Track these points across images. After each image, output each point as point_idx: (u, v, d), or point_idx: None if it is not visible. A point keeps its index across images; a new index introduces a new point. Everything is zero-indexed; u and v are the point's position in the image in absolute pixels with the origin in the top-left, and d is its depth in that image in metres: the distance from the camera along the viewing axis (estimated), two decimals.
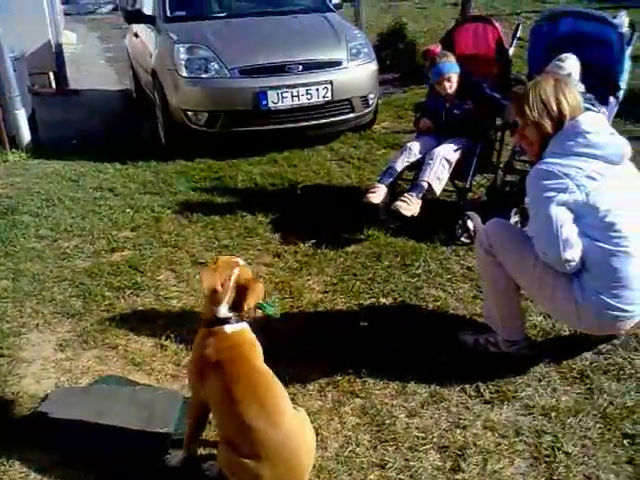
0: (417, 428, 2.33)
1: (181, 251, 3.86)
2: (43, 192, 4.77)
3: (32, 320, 3.13)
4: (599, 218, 2.34)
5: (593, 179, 2.35)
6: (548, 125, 2.47)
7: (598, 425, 2.28)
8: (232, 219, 4.26)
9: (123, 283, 3.45)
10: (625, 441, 2.21)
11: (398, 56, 8.39)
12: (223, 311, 2.05)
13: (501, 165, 4.27)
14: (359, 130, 5.93)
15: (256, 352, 2.06)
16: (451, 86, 3.97)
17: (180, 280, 3.52)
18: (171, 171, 5.23)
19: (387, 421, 2.36)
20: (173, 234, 4.07)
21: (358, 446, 2.25)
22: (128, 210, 4.45)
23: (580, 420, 2.31)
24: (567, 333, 2.86)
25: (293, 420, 1.95)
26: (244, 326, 2.09)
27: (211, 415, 2.12)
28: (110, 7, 18.05)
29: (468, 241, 3.78)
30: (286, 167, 5.22)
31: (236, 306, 2.04)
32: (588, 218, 2.36)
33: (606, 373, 2.56)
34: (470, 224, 3.79)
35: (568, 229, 2.34)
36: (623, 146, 2.43)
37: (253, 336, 2.12)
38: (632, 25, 3.88)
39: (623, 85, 3.81)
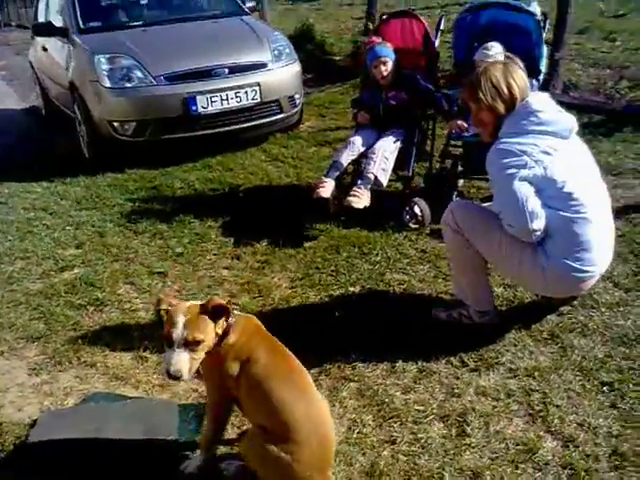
0: (415, 402, 2.44)
1: (134, 263, 3.78)
2: None
3: None
4: (558, 189, 2.54)
5: (548, 154, 2.55)
6: (501, 107, 2.65)
7: (578, 378, 2.48)
8: (180, 227, 4.22)
9: (84, 300, 3.35)
10: (604, 388, 2.41)
11: (309, 57, 8.51)
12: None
13: (435, 153, 4.48)
14: (287, 130, 6.01)
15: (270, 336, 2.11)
16: (386, 70, 4.11)
17: (141, 292, 3.46)
18: (102, 184, 5.09)
19: (385, 400, 2.46)
20: (122, 247, 3.99)
21: (364, 427, 2.33)
22: (68, 228, 4.31)
23: (561, 375, 2.50)
24: (529, 300, 3.06)
25: (322, 400, 2.01)
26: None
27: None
28: None
29: (416, 226, 3.95)
30: (222, 171, 5.21)
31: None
32: (548, 190, 2.55)
33: (572, 331, 2.78)
34: (417, 210, 3.96)
35: (532, 202, 2.52)
36: (571, 121, 2.64)
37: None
38: (544, 14, 4.18)
39: (543, 69, 4.10)
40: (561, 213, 2.54)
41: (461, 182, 4.44)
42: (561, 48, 5.65)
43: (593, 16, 8.20)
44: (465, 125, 3.89)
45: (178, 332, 1.87)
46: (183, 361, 1.87)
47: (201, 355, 1.92)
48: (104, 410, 2.45)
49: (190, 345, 1.88)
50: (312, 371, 2.62)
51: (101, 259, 3.84)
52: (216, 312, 1.95)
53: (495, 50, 3.90)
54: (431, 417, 2.35)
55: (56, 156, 5.99)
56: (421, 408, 2.40)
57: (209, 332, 1.93)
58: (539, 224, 2.52)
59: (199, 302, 1.99)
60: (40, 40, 6.72)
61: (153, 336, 2.99)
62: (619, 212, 3.56)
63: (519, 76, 2.68)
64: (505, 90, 2.64)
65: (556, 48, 5.63)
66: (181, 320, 1.89)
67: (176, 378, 1.89)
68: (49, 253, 3.93)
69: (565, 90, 5.85)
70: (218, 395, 2.08)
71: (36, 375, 2.78)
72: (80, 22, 5.73)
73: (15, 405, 2.59)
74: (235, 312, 2.06)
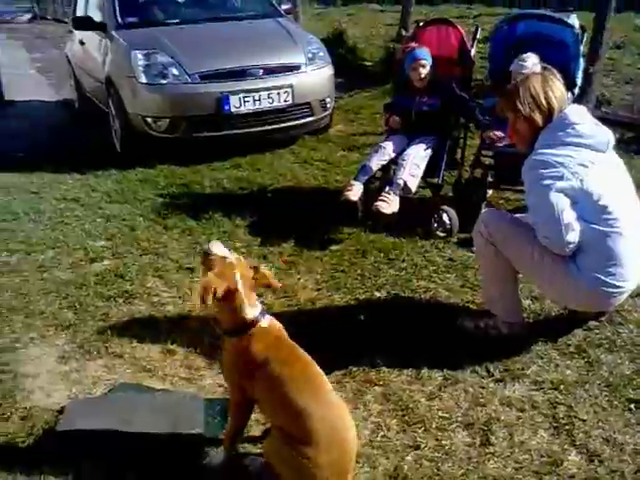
0: (440, 409, 2.44)
1: (163, 258, 3.83)
2: (4, 205, 4.61)
3: (25, 334, 3.05)
4: (593, 202, 2.53)
5: (585, 166, 2.54)
6: (539, 118, 2.65)
7: (604, 393, 2.47)
8: (208, 224, 4.27)
9: (113, 292, 3.40)
10: (631, 405, 2.39)
11: (340, 61, 8.53)
12: (250, 312, 2.07)
13: (465, 162, 4.48)
14: (316, 133, 6.04)
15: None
16: (425, 72, 4.13)
17: (170, 286, 3.50)
18: (134, 179, 5.16)
19: (410, 405, 2.46)
20: (151, 241, 4.04)
21: (389, 430, 2.34)
22: (99, 220, 4.38)
23: (587, 390, 2.49)
24: (555, 313, 3.05)
25: (341, 404, 2.02)
26: (271, 317, 2.15)
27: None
28: (29, 16, 17.40)
29: (444, 234, 3.95)
30: (251, 171, 5.25)
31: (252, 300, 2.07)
32: (583, 203, 2.54)
33: (600, 347, 2.76)
34: (445, 218, 3.96)
35: (568, 214, 2.51)
36: (608, 135, 2.63)
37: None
38: (582, 27, 4.16)
39: (579, 82, 4.08)
40: (595, 227, 2.53)
41: (490, 192, 4.43)
42: (596, 62, 5.61)
43: (629, 31, 8.12)
44: (501, 135, 3.89)
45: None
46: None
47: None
48: (131, 401, 2.50)
49: None
50: (336, 373, 2.66)
51: (131, 252, 3.90)
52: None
53: (531, 61, 3.88)
54: (455, 425, 2.35)
55: (88, 149, 6.08)
56: (446, 415, 2.40)
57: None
58: (574, 237, 2.51)
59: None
60: (78, 34, 6.83)
61: (181, 329, 3.05)
62: None
63: (557, 87, 2.67)
64: (543, 101, 2.64)
65: (591, 62, 5.59)
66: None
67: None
68: (79, 244, 4.00)
69: (598, 105, 5.80)
70: (237, 394, 2.11)
71: (65, 363, 2.83)
72: (118, 17, 5.82)
73: (44, 391, 2.63)
74: (262, 316, 2.10)
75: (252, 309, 2.08)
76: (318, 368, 2.06)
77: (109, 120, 5.93)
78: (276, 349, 2.03)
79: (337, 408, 1.99)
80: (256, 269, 2.14)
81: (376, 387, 2.58)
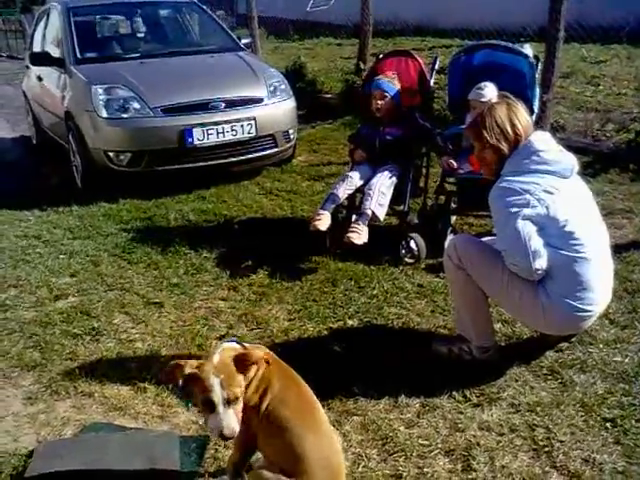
0: (419, 437, 2.43)
1: (129, 293, 3.76)
2: None
3: None
4: (559, 228, 2.58)
5: (550, 193, 2.60)
6: (505, 147, 2.71)
7: (580, 414, 2.50)
8: (175, 257, 4.21)
9: (79, 330, 3.32)
10: (607, 424, 2.43)
11: (301, 94, 8.62)
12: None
13: (430, 189, 4.55)
14: (280, 164, 6.06)
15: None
16: (382, 104, 4.21)
17: (137, 322, 3.43)
18: (96, 214, 5.08)
19: (389, 434, 2.45)
20: (116, 277, 3.96)
21: (369, 461, 2.32)
22: (62, 256, 4.28)
23: (563, 411, 2.52)
24: (527, 336, 3.09)
25: (335, 435, 1.99)
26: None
27: None
28: None
29: (412, 261, 3.98)
30: (217, 203, 5.22)
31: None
32: (550, 229, 2.59)
33: (572, 367, 2.80)
34: (413, 245, 4.00)
35: (535, 241, 2.55)
36: (572, 161, 2.70)
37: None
38: (536, 56, 4.31)
39: (536, 109, 4.20)
40: (562, 252, 2.57)
41: (453, 218, 4.50)
42: (549, 91, 5.80)
43: (576, 61, 8.43)
44: (455, 164, 3.98)
45: (217, 394, 1.83)
46: (232, 419, 1.84)
47: (241, 403, 1.90)
48: (104, 441, 2.42)
49: (231, 402, 1.86)
50: None
51: (96, 288, 3.81)
52: (243, 363, 1.91)
53: (489, 90, 4.00)
54: (436, 452, 2.34)
55: (48, 185, 5.97)
56: (425, 443, 2.39)
57: (243, 382, 1.90)
58: (541, 263, 2.55)
59: (217, 354, 1.92)
60: (35, 70, 6.74)
61: (151, 366, 2.98)
62: (611, 251, 3.63)
63: (522, 115, 2.74)
64: (510, 130, 2.70)
65: (544, 90, 5.77)
66: (216, 382, 1.84)
67: (231, 437, 1.87)
68: (43, 281, 3.90)
69: (553, 131, 5.97)
70: (246, 426, 2.04)
71: (32, 404, 2.73)
72: (77, 52, 5.79)
73: (11, 435, 2.54)
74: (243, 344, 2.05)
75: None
76: (315, 398, 2.04)
77: (69, 155, 5.84)
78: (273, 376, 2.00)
79: (329, 436, 1.96)
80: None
81: (354, 417, 2.56)
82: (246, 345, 2.05)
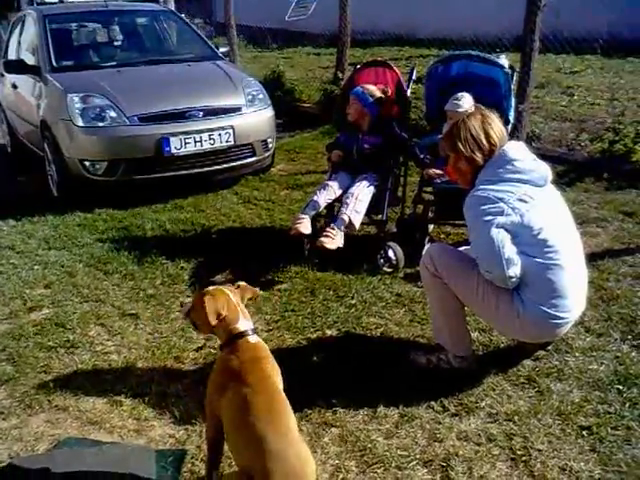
0: (398, 447, 2.42)
1: (105, 305, 3.71)
2: None
3: None
4: (533, 236, 2.60)
5: (524, 201, 2.62)
6: (479, 158, 2.73)
7: (557, 422, 2.51)
8: (151, 268, 4.17)
9: (54, 342, 3.26)
10: (584, 432, 2.45)
11: (279, 103, 8.63)
12: (243, 323, 2.15)
13: (407, 198, 4.57)
14: (259, 173, 6.05)
15: (275, 369, 2.13)
16: (355, 112, 4.25)
17: (113, 334, 3.39)
18: (71, 224, 5.01)
19: (368, 445, 2.44)
20: (92, 288, 3.91)
21: (348, 473, 2.30)
22: (36, 267, 4.21)
23: (540, 420, 2.53)
24: (504, 344, 3.10)
25: (304, 444, 1.97)
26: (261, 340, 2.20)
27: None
28: None
29: (390, 270, 3.99)
30: (194, 212, 5.19)
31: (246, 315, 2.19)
32: (524, 237, 2.61)
33: (548, 376, 2.82)
34: (391, 254, 4.01)
35: (509, 249, 2.57)
36: (546, 170, 2.73)
37: (271, 355, 2.18)
38: (511, 66, 4.36)
39: (512, 119, 4.25)
40: (536, 260, 2.59)
41: (431, 227, 4.53)
42: (525, 101, 5.87)
43: (551, 72, 8.55)
44: (439, 172, 3.99)
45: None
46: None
47: None
48: (78, 456, 2.37)
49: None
50: None
51: (71, 300, 3.76)
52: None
53: (465, 100, 4.03)
54: (414, 462, 2.34)
55: (23, 195, 5.88)
56: (404, 453, 2.39)
57: None
58: (515, 271, 2.57)
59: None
60: (10, 77, 6.64)
61: (127, 379, 2.94)
62: (585, 259, 3.68)
63: (497, 126, 2.77)
64: (484, 141, 2.72)
65: (520, 100, 5.84)
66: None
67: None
68: (16, 293, 3.83)
69: (528, 141, 6.04)
70: (209, 411, 2.12)
71: (4, 419, 2.68)
72: (53, 60, 5.73)
73: None
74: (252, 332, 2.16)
75: (244, 322, 2.16)
76: (285, 405, 2.03)
77: (44, 164, 5.77)
78: (248, 370, 2.03)
79: (297, 446, 1.94)
80: (238, 286, 2.28)
81: (333, 429, 2.55)
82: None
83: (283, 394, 2.07)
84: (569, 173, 5.56)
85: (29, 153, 6.47)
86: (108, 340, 3.33)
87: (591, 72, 8.51)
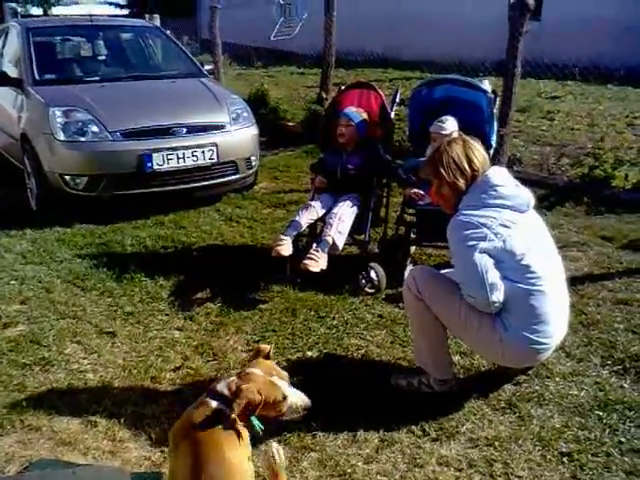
0: (378, 473, 2.39)
1: (82, 322, 3.65)
2: None
3: None
4: (516, 261, 2.61)
5: (507, 227, 2.63)
6: (462, 183, 2.74)
7: (537, 448, 2.50)
8: (130, 285, 4.11)
9: (29, 360, 3.19)
10: (564, 459, 2.44)
11: (263, 121, 8.64)
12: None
13: (390, 220, 4.58)
14: (241, 191, 6.03)
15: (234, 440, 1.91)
16: (344, 133, 4.27)
17: (90, 352, 3.32)
18: (50, 239, 4.93)
19: (347, 470, 2.40)
20: (69, 304, 3.85)
21: None
22: (12, 282, 4.13)
23: (521, 445, 2.52)
24: (485, 368, 3.09)
25: None
26: None
27: None
28: None
29: (372, 291, 3.98)
30: (175, 229, 5.15)
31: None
32: (507, 262, 2.61)
33: (529, 401, 2.81)
34: (373, 274, 4.00)
35: (492, 274, 2.57)
36: (528, 196, 2.75)
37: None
38: (494, 91, 4.41)
39: (493, 144, 4.29)
40: (519, 285, 2.59)
41: (413, 249, 4.53)
42: (506, 125, 5.94)
43: (532, 96, 8.68)
44: (421, 193, 4.00)
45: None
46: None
47: None
48: (50, 478, 2.31)
49: None
50: (271, 440, 2.55)
51: (47, 316, 3.69)
52: None
53: (449, 123, 4.07)
54: None
55: (0, 208, 5.79)
56: (384, 479, 2.36)
57: None
58: (498, 296, 2.57)
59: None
60: None
61: (102, 399, 2.88)
62: (566, 283, 3.70)
63: (479, 151, 2.78)
64: (466, 166, 2.73)
65: (501, 124, 5.91)
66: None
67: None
68: None
69: (510, 165, 6.11)
70: None
71: None
72: (36, 73, 5.69)
73: None
74: None
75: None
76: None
77: (24, 178, 5.70)
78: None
79: None
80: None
81: (312, 453, 2.51)
82: None
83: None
84: (550, 197, 5.62)
85: (8, 166, 6.39)
86: (84, 358, 3.27)
87: (571, 97, 8.65)
